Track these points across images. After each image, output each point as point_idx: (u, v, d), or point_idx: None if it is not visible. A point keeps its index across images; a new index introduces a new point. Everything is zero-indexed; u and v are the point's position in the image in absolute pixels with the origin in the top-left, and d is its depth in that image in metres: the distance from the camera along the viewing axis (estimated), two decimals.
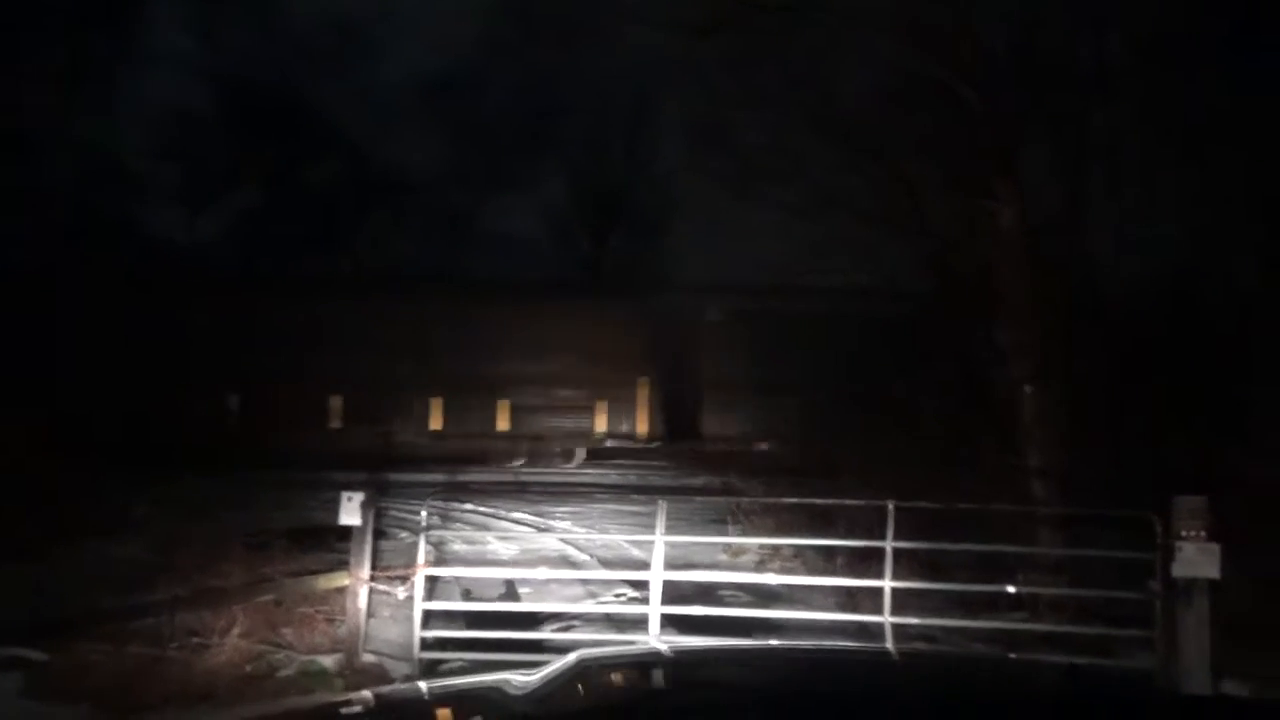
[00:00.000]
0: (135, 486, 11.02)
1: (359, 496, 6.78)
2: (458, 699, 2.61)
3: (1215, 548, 6.07)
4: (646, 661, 2.57)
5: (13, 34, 20.81)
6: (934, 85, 10.16)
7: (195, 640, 6.62)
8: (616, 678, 2.39)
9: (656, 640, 5.86)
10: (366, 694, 2.77)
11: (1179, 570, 6.11)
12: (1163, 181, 10.29)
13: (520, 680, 2.38)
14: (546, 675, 2.35)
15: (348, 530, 6.97)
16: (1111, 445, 9.14)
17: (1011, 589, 7.20)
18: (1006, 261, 9.54)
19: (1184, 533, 6.14)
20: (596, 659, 2.57)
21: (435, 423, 24.07)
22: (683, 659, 2.68)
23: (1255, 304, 6.98)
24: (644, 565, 7.44)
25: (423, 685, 3.31)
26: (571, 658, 2.45)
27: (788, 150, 11.17)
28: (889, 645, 6.01)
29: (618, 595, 8.25)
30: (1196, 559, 6.08)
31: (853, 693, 2.21)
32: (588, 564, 9.67)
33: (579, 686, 2.26)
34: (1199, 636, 6.08)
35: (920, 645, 6.49)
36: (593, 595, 8.38)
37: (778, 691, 2.27)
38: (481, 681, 2.65)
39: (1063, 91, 10.14)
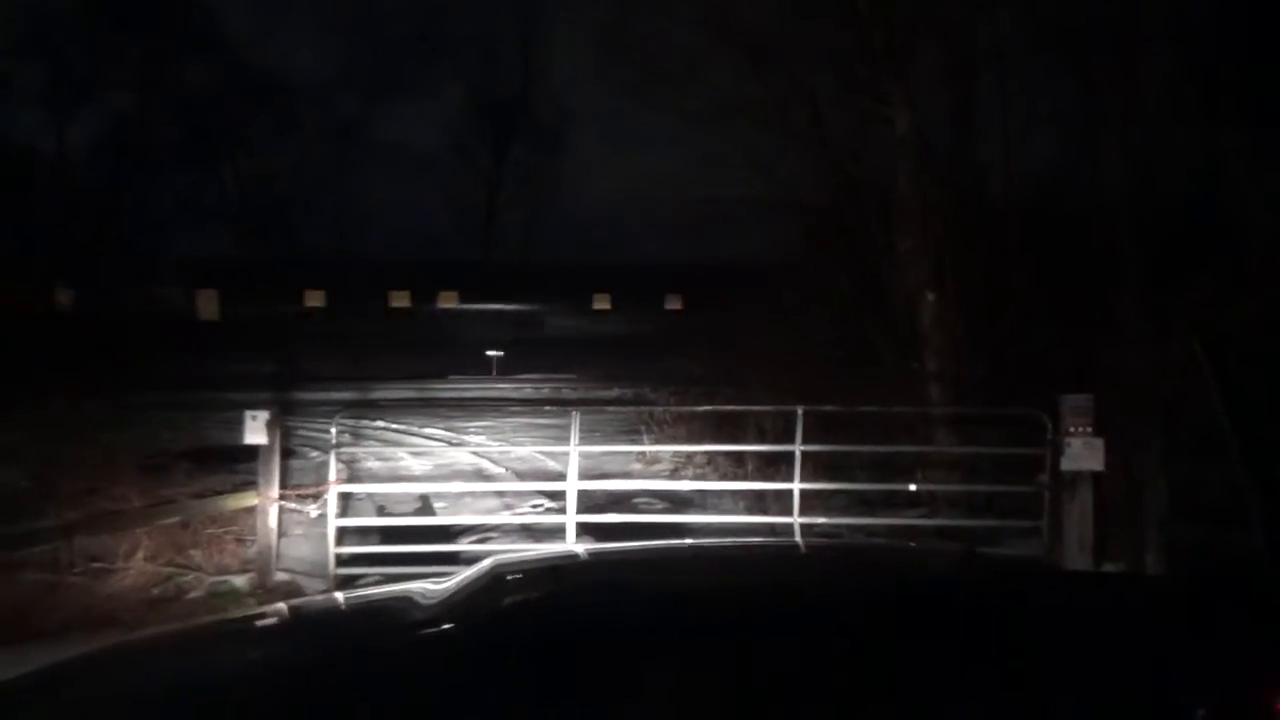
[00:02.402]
0: None
1: (264, 415, 6.60)
2: (372, 607, 2.59)
3: (1099, 442, 6.44)
4: (561, 564, 2.59)
5: None
6: None
7: (96, 565, 6.41)
8: (531, 581, 2.41)
9: (573, 548, 5.94)
10: (281, 606, 2.74)
11: (1066, 464, 6.47)
12: (1044, 90, 10.57)
13: (435, 587, 2.37)
14: (461, 581, 2.35)
15: (251, 450, 6.80)
16: (1000, 347, 9.52)
17: (913, 487, 7.53)
18: (903, 168, 9.70)
19: (1071, 429, 6.48)
20: (510, 564, 2.59)
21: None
22: (597, 560, 2.72)
23: (1123, 206, 7.33)
24: (559, 477, 7.50)
25: (338, 596, 3.29)
26: (485, 563, 2.46)
27: (687, 57, 11.02)
28: (797, 540, 6.24)
29: (534, 506, 8.31)
30: (1082, 453, 6.44)
31: (764, 582, 2.28)
32: (503, 477, 9.70)
33: (493, 590, 2.27)
34: (1082, 525, 6.49)
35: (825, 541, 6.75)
36: (509, 507, 8.43)
37: (692, 586, 2.32)
38: (397, 590, 2.65)
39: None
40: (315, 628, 2.29)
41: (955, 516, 7.44)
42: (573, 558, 2.91)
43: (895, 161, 9.88)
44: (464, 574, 2.39)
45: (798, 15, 10.68)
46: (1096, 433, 6.45)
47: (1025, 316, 9.60)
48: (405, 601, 2.31)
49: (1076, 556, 6.39)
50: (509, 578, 2.34)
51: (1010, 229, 10.52)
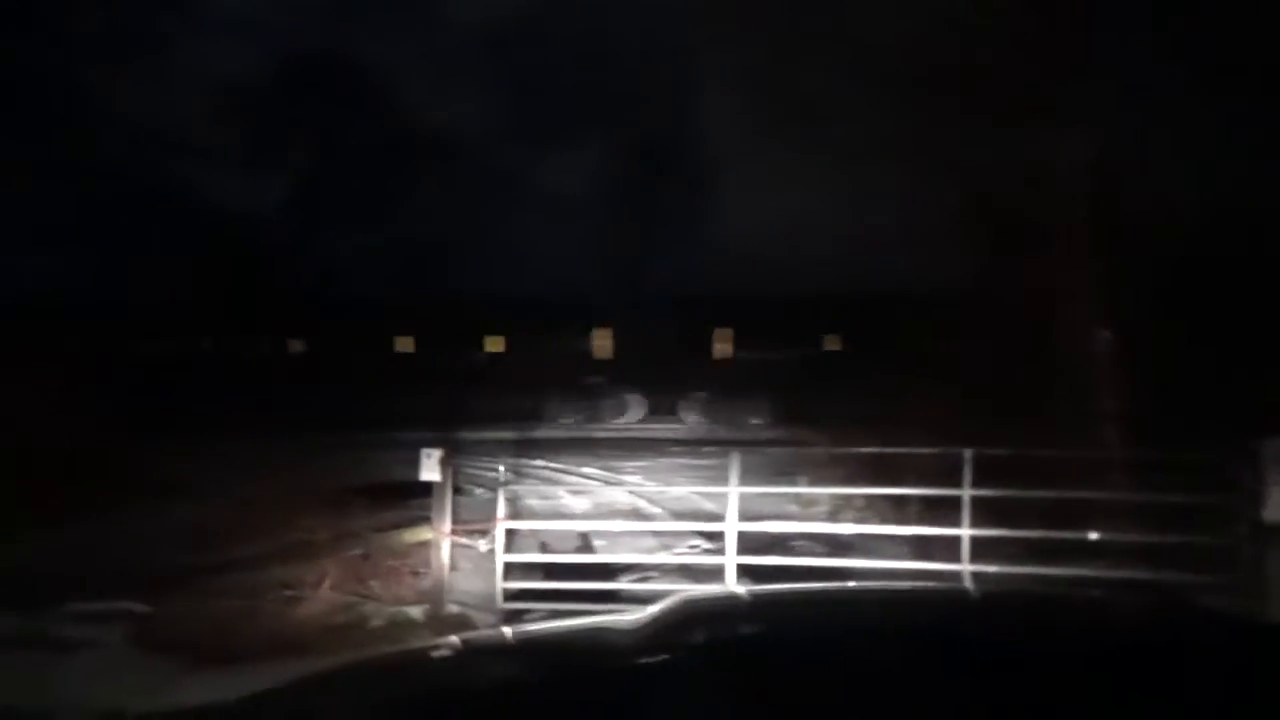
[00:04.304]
0: (187, 447, 11.40)
1: (437, 453, 6.94)
2: (556, 643, 2.65)
3: None
4: (752, 603, 2.61)
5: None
6: (982, 18, 9.88)
7: (287, 593, 6.89)
8: (722, 618, 2.43)
9: (738, 589, 5.92)
10: (454, 639, 2.83)
11: (1270, 514, 5.98)
12: (1215, 111, 9.94)
13: (624, 622, 2.43)
14: (651, 616, 2.40)
15: (422, 486, 7.14)
16: (1179, 386, 8.93)
17: (1093, 536, 7.10)
18: (1070, 200, 9.34)
19: (1272, 476, 5.99)
20: (700, 601, 2.62)
21: None
22: (789, 599, 2.72)
23: None
24: (714, 517, 7.52)
25: (507, 630, 3.41)
26: (675, 600, 2.51)
27: (834, 95, 11.00)
28: (968, 585, 6.01)
29: (691, 546, 8.35)
30: None
31: (952, 626, 2.24)
32: (659, 516, 9.80)
33: (686, 627, 2.31)
34: None
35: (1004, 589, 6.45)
36: (666, 547, 8.50)
37: (875, 626, 2.30)
38: (579, 625, 2.72)
39: (1108, 23, 9.79)
40: (525, 656, 2.39)
41: (1139, 569, 6.97)
42: (759, 596, 2.92)
43: (1060, 194, 9.54)
44: (652, 609, 2.45)
45: (951, 47, 10.50)
46: None
47: (1206, 354, 9.01)
48: (596, 634, 2.39)
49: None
50: (700, 615, 2.38)
51: (1187, 260, 9.92)
